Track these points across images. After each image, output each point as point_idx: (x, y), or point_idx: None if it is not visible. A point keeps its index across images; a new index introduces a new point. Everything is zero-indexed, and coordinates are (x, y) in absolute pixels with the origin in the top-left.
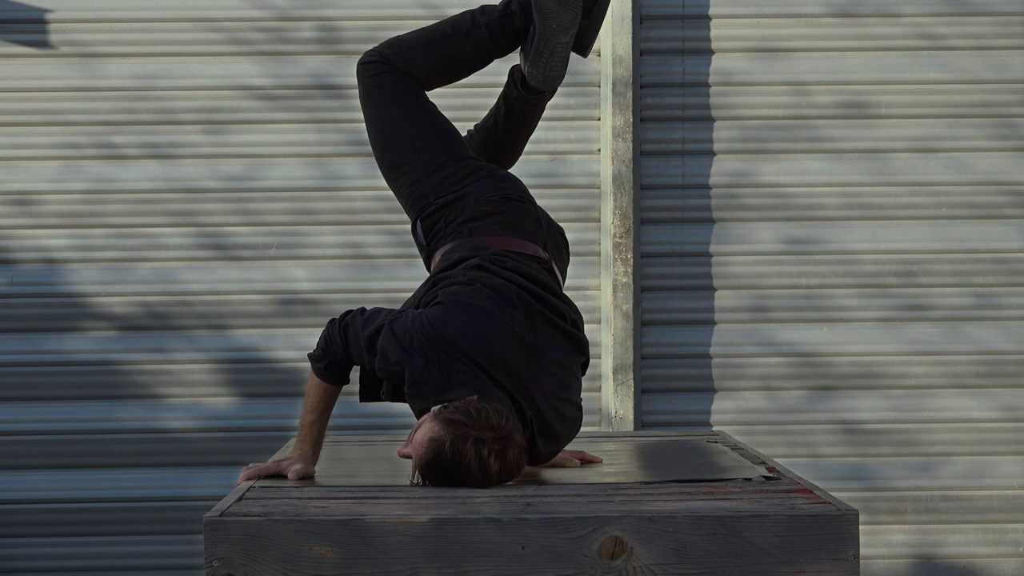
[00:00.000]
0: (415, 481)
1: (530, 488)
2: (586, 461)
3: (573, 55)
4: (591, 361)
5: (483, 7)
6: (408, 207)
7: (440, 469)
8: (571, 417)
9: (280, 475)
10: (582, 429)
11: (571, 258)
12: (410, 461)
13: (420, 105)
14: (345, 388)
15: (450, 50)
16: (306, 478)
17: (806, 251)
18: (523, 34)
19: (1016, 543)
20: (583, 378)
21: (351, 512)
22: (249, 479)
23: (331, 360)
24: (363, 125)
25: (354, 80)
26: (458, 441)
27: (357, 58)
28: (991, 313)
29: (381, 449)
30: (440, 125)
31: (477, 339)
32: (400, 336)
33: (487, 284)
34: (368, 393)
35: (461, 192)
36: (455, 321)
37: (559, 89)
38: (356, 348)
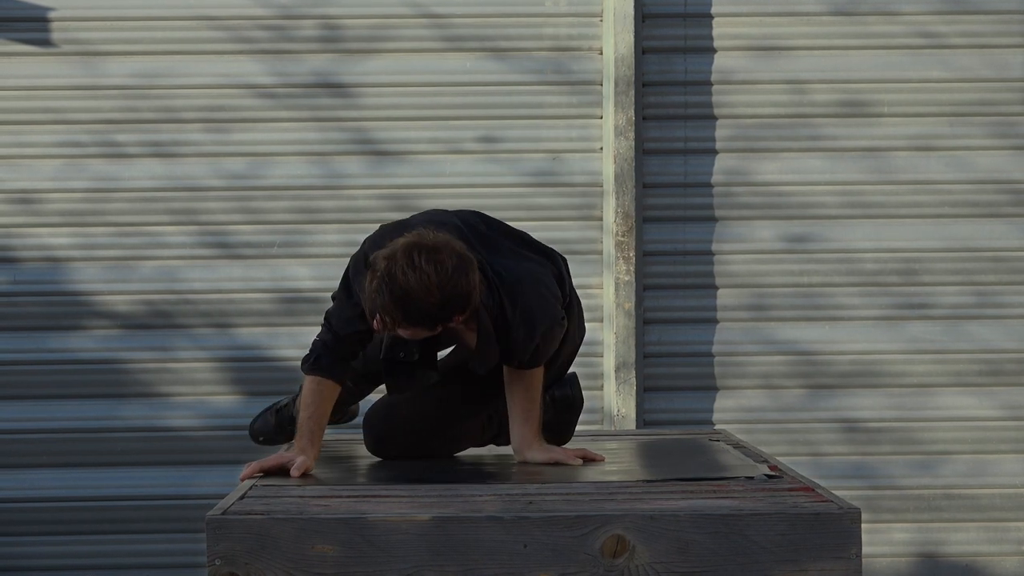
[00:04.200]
0: (376, 326)
1: (532, 486)
2: (588, 459)
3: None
4: (593, 360)
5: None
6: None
7: (380, 293)
8: (550, 300)
9: (282, 469)
10: (585, 428)
11: (574, 256)
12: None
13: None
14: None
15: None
16: (307, 472)
17: (807, 249)
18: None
19: (1018, 541)
20: (588, 377)
21: (353, 510)
22: (251, 476)
23: (319, 354)
24: (366, 123)
25: (356, 77)
26: (390, 257)
27: (359, 56)
28: (992, 311)
29: None
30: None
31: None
32: (350, 273)
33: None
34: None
35: None
36: (392, 234)
37: (561, 88)
38: (335, 317)
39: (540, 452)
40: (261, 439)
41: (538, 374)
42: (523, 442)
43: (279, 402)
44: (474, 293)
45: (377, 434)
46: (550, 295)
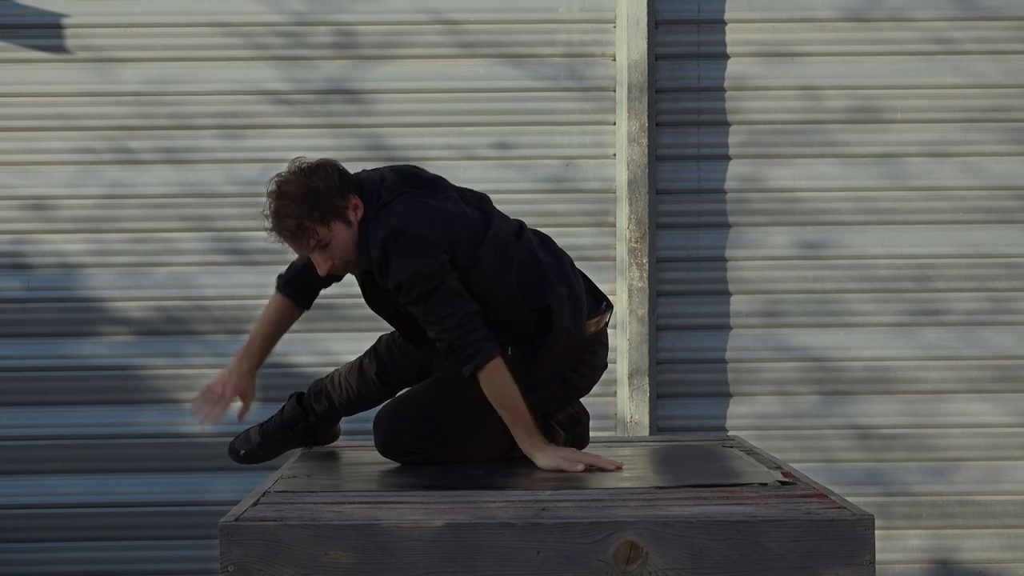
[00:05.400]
0: (321, 265)
1: (545, 493)
2: (600, 469)
3: None
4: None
5: None
6: None
7: (283, 223)
8: (421, 213)
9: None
10: (599, 434)
11: (588, 263)
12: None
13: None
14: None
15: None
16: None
17: (821, 255)
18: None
19: None
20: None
21: (366, 517)
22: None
23: (287, 273)
24: (379, 129)
25: (370, 83)
26: (271, 211)
27: (373, 62)
28: (1006, 318)
29: None
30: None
31: None
32: None
33: None
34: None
35: None
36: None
37: (574, 94)
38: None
39: (544, 458)
40: (242, 453)
41: (492, 379)
42: (523, 449)
43: (259, 424)
44: (343, 170)
45: (384, 433)
46: (427, 211)
